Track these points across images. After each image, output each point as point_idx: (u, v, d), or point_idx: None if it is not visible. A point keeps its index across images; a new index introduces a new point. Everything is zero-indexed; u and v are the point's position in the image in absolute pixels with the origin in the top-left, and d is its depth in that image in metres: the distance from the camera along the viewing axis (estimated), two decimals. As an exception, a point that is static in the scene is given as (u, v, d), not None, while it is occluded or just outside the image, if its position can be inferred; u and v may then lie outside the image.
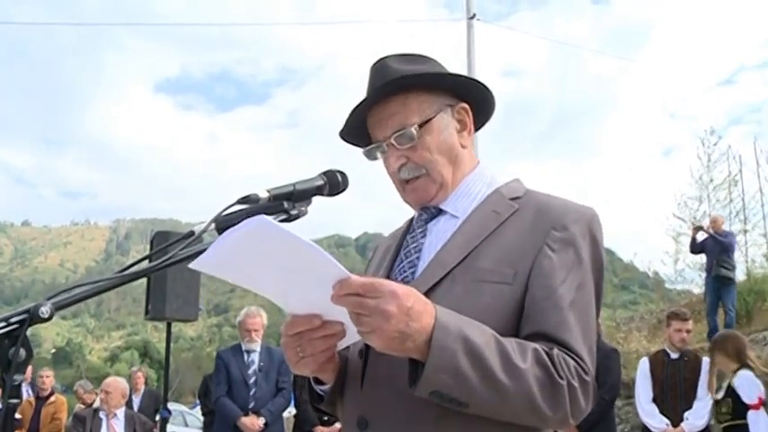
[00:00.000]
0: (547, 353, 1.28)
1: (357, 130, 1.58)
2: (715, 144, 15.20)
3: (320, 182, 1.45)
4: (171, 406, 10.59)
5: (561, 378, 1.27)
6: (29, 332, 1.14)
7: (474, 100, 1.58)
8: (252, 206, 1.34)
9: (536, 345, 1.29)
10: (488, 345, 1.25)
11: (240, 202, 1.34)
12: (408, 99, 1.50)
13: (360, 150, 1.59)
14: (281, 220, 1.34)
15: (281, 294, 1.33)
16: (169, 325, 6.49)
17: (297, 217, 1.40)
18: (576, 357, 1.30)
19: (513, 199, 1.50)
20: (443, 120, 1.53)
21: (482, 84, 1.59)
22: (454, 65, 1.62)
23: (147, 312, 6.21)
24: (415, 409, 1.32)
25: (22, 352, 1.12)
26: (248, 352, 6.10)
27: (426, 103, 1.51)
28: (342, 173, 1.48)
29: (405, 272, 1.49)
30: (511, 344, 1.27)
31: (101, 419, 6.57)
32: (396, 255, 1.57)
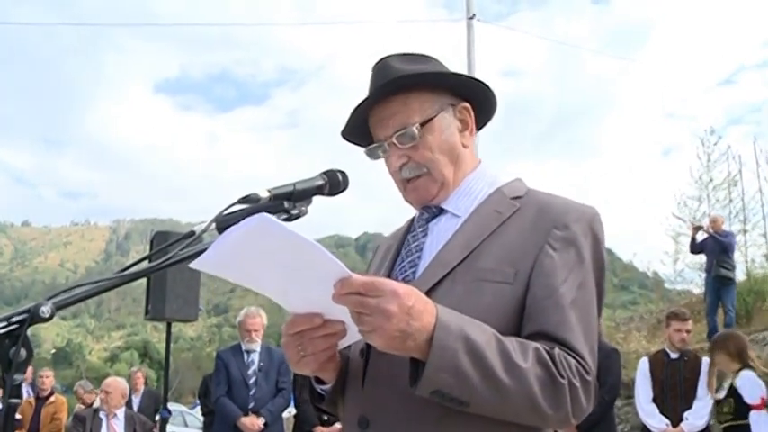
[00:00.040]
0: (548, 352, 1.28)
1: (359, 130, 1.58)
2: (715, 144, 15.22)
3: (321, 181, 1.45)
4: (171, 406, 10.58)
5: (562, 377, 1.27)
6: (29, 332, 1.14)
7: (476, 100, 1.58)
8: (252, 206, 1.34)
9: (537, 344, 1.29)
10: (489, 344, 1.25)
11: (240, 201, 1.34)
12: (410, 98, 1.50)
13: (360, 150, 1.59)
14: (282, 220, 1.34)
15: (281, 293, 1.33)
16: (169, 325, 6.48)
17: (297, 216, 1.40)
18: (577, 357, 1.30)
19: (514, 198, 1.49)
20: (445, 119, 1.53)
21: (484, 83, 1.59)
22: (454, 65, 1.63)
23: (146, 312, 6.21)
24: (416, 409, 1.32)
25: (23, 352, 1.12)
26: (248, 352, 6.11)
27: (428, 102, 1.51)
28: (342, 172, 1.48)
29: (406, 271, 1.49)
30: (512, 343, 1.27)
31: (101, 419, 6.58)
32: (397, 254, 1.57)
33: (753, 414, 5.31)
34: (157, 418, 7.90)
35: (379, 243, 1.75)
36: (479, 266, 1.39)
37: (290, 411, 7.00)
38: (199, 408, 12.63)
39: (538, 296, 1.35)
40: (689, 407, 5.72)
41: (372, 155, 1.56)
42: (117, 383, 6.87)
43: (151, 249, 5.33)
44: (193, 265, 1.26)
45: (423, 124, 1.50)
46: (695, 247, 11.18)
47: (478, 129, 1.62)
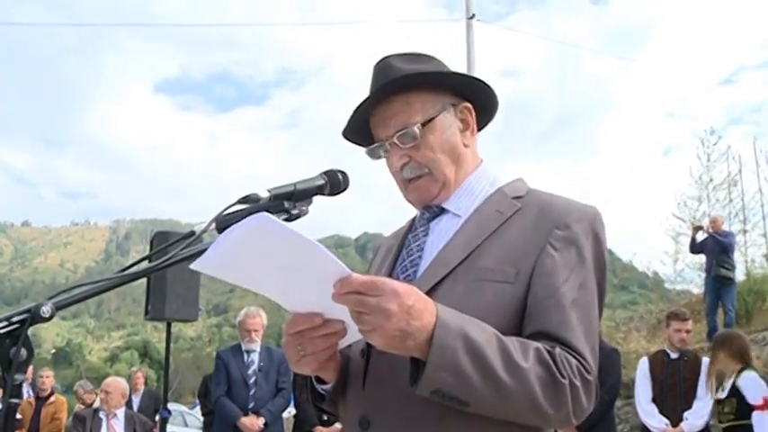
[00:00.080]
0: (549, 352, 1.28)
1: (360, 130, 1.58)
2: (715, 144, 15.22)
3: (321, 181, 1.45)
4: (171, 406, 10.60)
5: (563, 377, 1.26)
6: (29, 332, 1.14)
7: (477, 99, 1.58)
8: (252, 206, 1.34)
9: (538, 344, 1.29)
10: (489, 343, 1.25)
11: (241, 201, 1.34)
12: (411, 98, 1.50)
13: (360, 150, 1.59)
14: (283, 220, 1.33)
15: (281, 293, 1.33)
16: (169, 325, 6.49)
17: (298, 216, 1.40)
18: (578, 356, 1.30)
19: (515, 198, 1.49)
20: (446, 119, 1.53)
21: (485, 83, 1.58)
22: (454, 65, 1.62)
23: (146, 312, 6.21)
24: (417, 409, 1.31)
25: (24, 352, 1.12)
26: (248, 352, 6.11)
27: (429, 102, 1.51)
28: (342, 172, 1.48)
29: (407, 270, 1.49)
30: (512, 342, 1.27)
31: (101, 419, 6.58)
32: (398, 254, 1.57)
33: (756, 414, 5.31)
34: (157, 418, 7.91)
35: (380, 243, 1.75)
36: (480, 266, 1.39)
37: (290, 411, 7.01)
38: (199, 408, 12.61)
39: (539, 296, 1.35)
40: (689, 407, 5.72)
41: (373, 155, 1.56)
42: (117, 383, 6.87)
43: (151, 249, 5.33)
44: (193, 266, 1.26)
45: (424, 124, 1.49)
46: (695, 247, 11.19)
47: (480, 129, 1.62)
